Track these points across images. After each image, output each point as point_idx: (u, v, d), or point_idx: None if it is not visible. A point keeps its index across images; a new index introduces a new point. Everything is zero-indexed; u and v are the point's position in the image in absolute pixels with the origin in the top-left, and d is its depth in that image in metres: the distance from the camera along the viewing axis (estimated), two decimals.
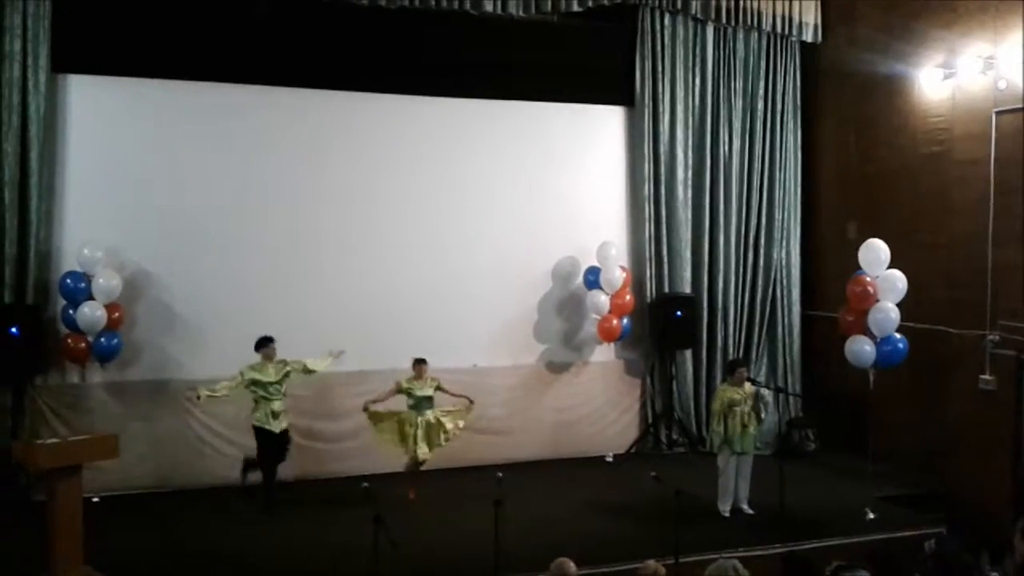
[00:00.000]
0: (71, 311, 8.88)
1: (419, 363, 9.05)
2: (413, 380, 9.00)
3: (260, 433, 8.75)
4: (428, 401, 8.99)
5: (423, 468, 9.09)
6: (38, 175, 9.06)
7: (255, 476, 9.03)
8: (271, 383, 8.68)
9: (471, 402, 9.21)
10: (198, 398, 8.70)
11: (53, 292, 9.18)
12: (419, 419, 8.91)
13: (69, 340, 8.95)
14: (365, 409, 8.94)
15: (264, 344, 8.76)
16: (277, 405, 8.72)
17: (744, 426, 8.65)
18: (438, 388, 9.08)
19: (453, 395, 9.16)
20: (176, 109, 9.64)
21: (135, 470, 9.20)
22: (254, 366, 8.71)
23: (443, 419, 9.03)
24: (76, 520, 6.78)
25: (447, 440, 9.07)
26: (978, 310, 9.22)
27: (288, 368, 8.80)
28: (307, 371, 8.93)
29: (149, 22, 9.33)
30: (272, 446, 8.78)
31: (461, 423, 9.16)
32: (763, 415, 8.88)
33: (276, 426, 8.73)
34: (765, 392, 8.97)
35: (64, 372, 9.30)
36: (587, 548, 7.46)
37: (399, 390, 8.98)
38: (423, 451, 8.92)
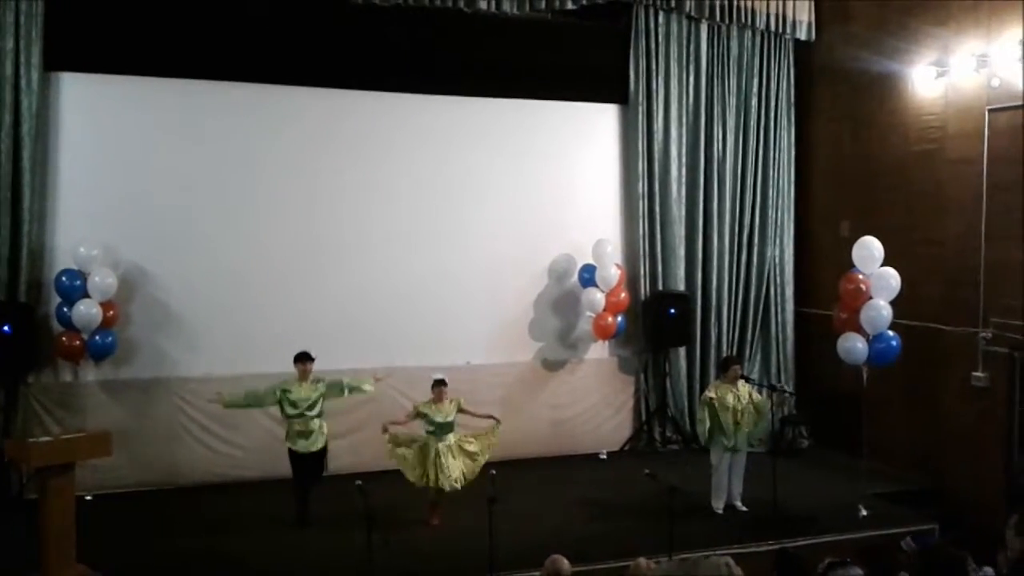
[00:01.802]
0: (66, 309, 8.85)
1: (438, 384, 8.28)
2: (431, 403, 8.27)
3: (289, 453, 8.36)
4: (449, 427, 8.25)
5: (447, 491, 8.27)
6: (30, 173, 9.02)
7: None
8: (301, 399, 8.23)
9: (498, 422, 8.49)
10: (224, 406, 8.45)
11: (46, 290, 9.17)
12: (441, 446, 8.16)
13: (64, 338, 8.93)
14: (384, 431, 8.26)
15: (298, 360, 8.30)
16: (308, 424, 8.26)
17: (737, 423, 8.66)
18: (460, 410, 8.37)
19: (478, 415, 8.54)
20: (169, 107, 9.61)
21: (128, 468, 9.19)
22: (289, 381, 8.32)
23: (466, 446, 8.29)
24: (69, 519, 6.76)
25: (472, 472, 8.22)
26: (971, 307, 9.25)
27: (322, 386, 8.32)
28: (342, 391, 8.41)
29: (142, 20, 9.31)
30: (301, 467, 8.35)
31: (485, 452, 8.36)
32: (764, 410, 8.88)
33: (304, 446, 8.28)
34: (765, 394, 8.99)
35: (57, 370, 9.28)
36: (581, 545, 7.50)
37: (416, 415, 8.32)
38: (450, 482, 8.12)
